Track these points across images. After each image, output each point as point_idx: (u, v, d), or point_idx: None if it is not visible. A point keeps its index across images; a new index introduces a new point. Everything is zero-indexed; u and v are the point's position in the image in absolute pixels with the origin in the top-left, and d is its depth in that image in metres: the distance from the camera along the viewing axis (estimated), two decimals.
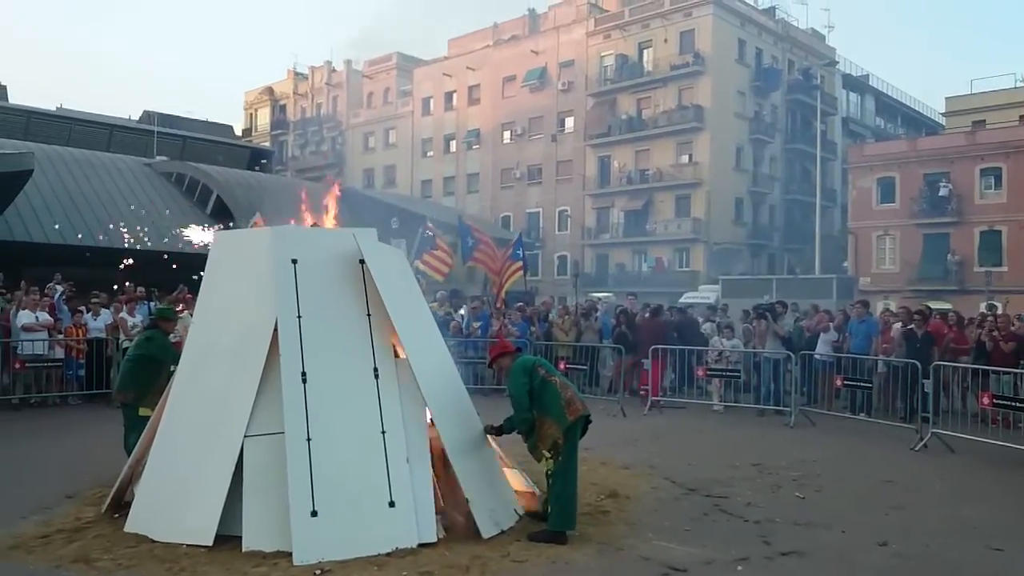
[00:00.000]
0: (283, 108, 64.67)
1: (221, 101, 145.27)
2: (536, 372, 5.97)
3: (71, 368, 12.34)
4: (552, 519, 5.80)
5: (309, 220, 7.19)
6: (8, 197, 18.88)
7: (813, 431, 10.94)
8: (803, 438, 10.41)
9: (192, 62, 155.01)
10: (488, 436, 6.32)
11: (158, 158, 30.37)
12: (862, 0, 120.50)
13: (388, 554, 5.26)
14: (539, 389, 5.89)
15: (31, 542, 5.56)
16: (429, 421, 5.97)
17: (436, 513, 5.66)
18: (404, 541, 5.38)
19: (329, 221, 7.20)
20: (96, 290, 13.75)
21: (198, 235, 14.69)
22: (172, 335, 8.33)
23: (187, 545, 5.37)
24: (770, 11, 47.50)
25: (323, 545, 5.20)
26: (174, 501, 5.66)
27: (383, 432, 5.65)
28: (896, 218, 36.38)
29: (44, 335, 12.06)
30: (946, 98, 43.59)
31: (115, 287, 14.54)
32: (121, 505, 6.26)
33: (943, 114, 45.07)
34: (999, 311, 14.26)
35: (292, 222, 7.15)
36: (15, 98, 35.92)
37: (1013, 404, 9.98)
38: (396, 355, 6.05)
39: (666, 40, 43.28)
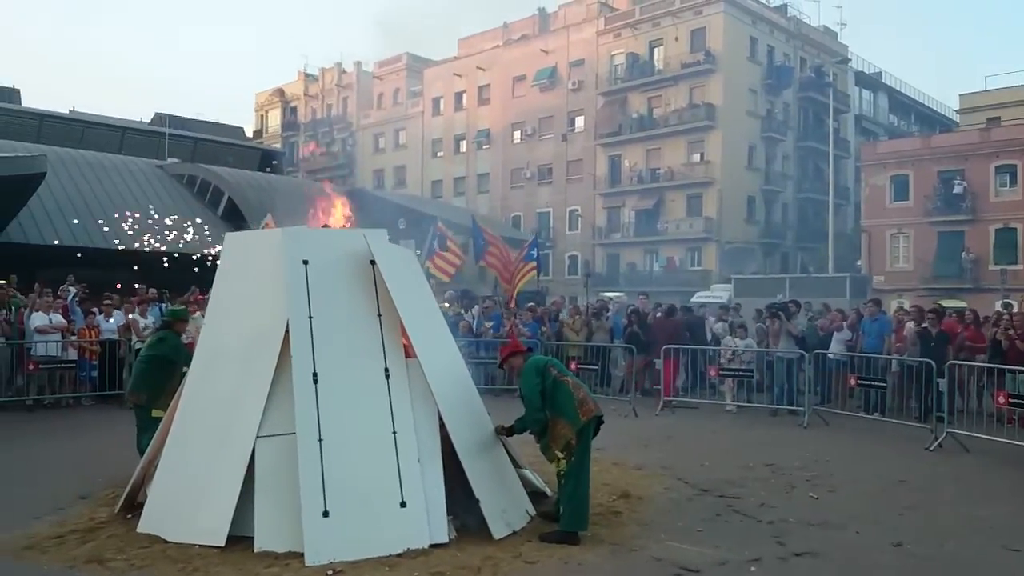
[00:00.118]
0: (294, 110, 64.89)
1: (232, 103, 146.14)
2: (548, 372, 5.95)
3: (84, 369, 12.43)
4: (564, 520, 5.78)
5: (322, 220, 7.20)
6: (21, 200, 19.04)
7: (827, 431, 10.87)
8: (817, 438, 10.34)
9: (203, 64, 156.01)
10: (499, 436, 6.31)
11: (170, 160, 30.43)
12: None
13: (400, 555, 5.26)
14: (551, 389, 5.87)
15: (45, 542, 5.60)
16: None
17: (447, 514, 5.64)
18: (416, 542, 5.37)
19: (340, 222, 7.21)
20: (109, 292, 13.84)
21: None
22: (184, 336, 8.37)
23: (200, 545, 5.39)
24: (782, 8, 47.17)
25: (335, 546, 5.19)
26: (187, 502, 5.68)
27: (394, 432, 5.65)
28: (910, 216, 36.07)
29: (57, 337, 12.14)
30: (960, 95, 43.39)
31: (134, 285, 14.65)
32: (134, 506, 6.28)
33: (957, 111, 44.79)
34: (1015, 309, 14.13)
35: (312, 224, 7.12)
36: (28, 101, 36.10)
37: None
38: (407, 355, 6.05)
39: (677, 38, 43.10)
